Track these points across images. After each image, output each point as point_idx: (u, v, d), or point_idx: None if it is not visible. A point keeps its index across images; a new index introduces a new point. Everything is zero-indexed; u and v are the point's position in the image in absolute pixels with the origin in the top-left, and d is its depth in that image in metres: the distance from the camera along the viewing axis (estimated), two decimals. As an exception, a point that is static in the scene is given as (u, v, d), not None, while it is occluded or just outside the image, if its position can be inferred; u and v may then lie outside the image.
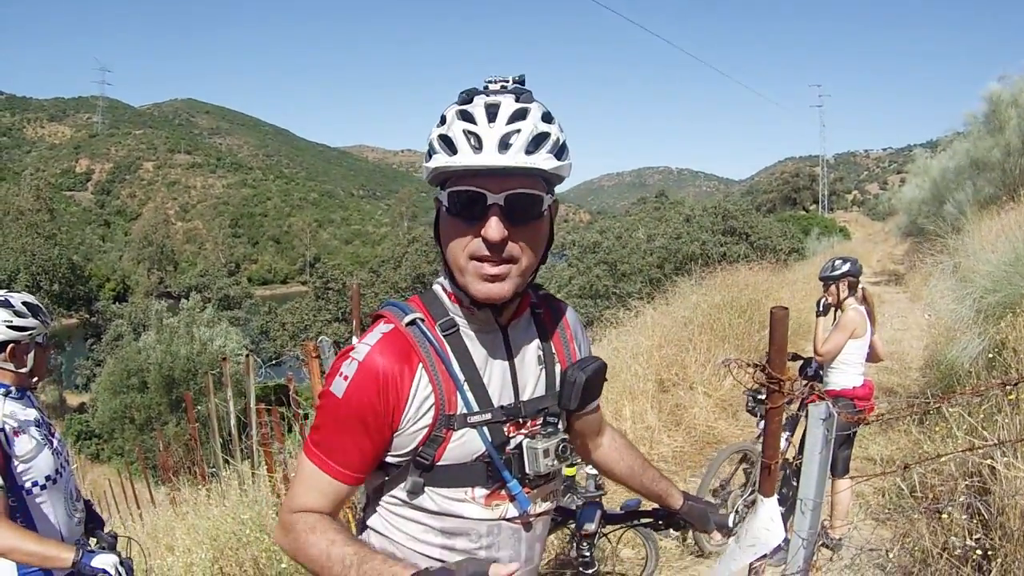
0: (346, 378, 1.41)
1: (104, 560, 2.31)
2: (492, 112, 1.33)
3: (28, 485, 2.42)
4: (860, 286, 5.05)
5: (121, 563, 2.34)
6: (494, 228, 1.32)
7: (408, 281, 31.65)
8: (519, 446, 1.49)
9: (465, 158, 1.31)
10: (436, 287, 1.53)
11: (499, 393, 1.49)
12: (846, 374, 4.91)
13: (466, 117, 1.33)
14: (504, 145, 1.30)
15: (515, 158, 1.30)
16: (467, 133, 1.31)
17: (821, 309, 5.10)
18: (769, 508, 2.31)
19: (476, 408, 1.45)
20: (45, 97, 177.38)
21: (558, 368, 1.58)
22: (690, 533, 2.01)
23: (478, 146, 1.30)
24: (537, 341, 1.58)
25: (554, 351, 1.60)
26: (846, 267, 4.99)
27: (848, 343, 4.89)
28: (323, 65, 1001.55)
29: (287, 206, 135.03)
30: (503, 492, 1.49)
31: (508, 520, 1.52)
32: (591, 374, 1.51)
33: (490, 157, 1.30)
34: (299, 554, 1.43)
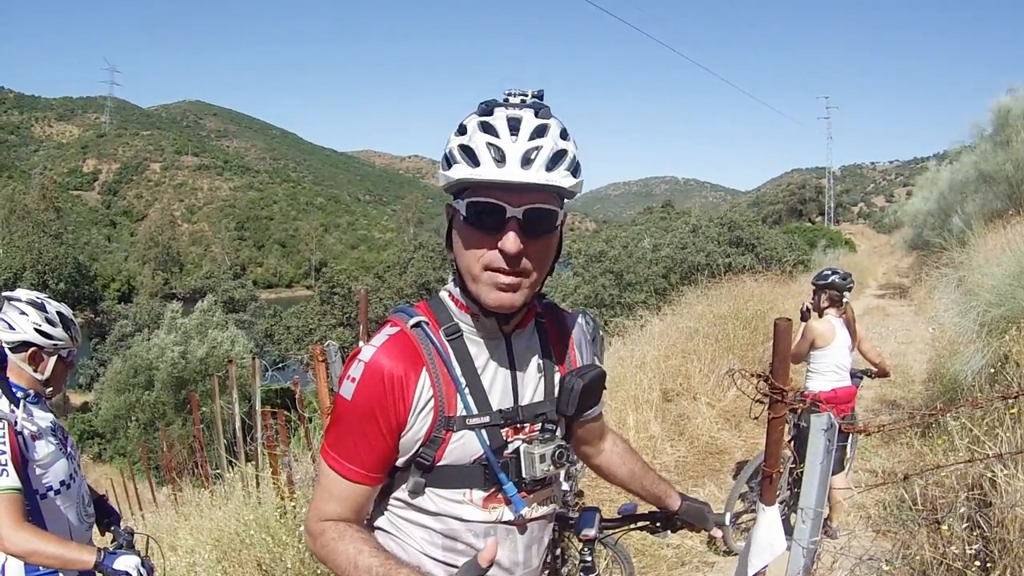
0: (353, 380, 1.45)
1: (126, 562, 2.31)
2: (514, 126, 1.36)
3: (43, 490, 2.41)
4: (845, 300, 5.31)
5: (143, 563, 2.34)
6: (511, 241, 1.35)
7: (413, 287, 31.66)
8: (516, 450, 1.52)
9: (488, 171, 1.34)
10: (442, 294, 1.56)
11: (499, 398, 1.52)
12: (815, 380, 5.26)
13: (488, 129, 1.37)
14: (526, 161, 1.34)
15: (536, 175, 1.34)
16: (490, 146, 1.35)
17: (801, 314, 5.41)
18: (770, 517, 2.34)
19: (475, 411, 1.48)
20: (53, 96, 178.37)
21: (557, 376, 1.60)
22: (720, 533, 2.04)
23: (501, 160, 1.34)
24: (539, 350, 1.61)
25: (554, 360, 1.63)
26: (832, 278, 5.29)
27: (813, 352, 5.24)
28: (331, 69, 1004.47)
29: (293, 210, 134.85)
30: (500, 495, 1.52)
31: (504, 523, 1.54)
32: (588, 381, 1.53)
33: (513, 172, 1.33)
34: (328, 561, 1.47)
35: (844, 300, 5.29)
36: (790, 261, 24.06)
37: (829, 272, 5.37)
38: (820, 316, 5.34)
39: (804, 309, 5.43)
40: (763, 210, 65.85)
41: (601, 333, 4.26)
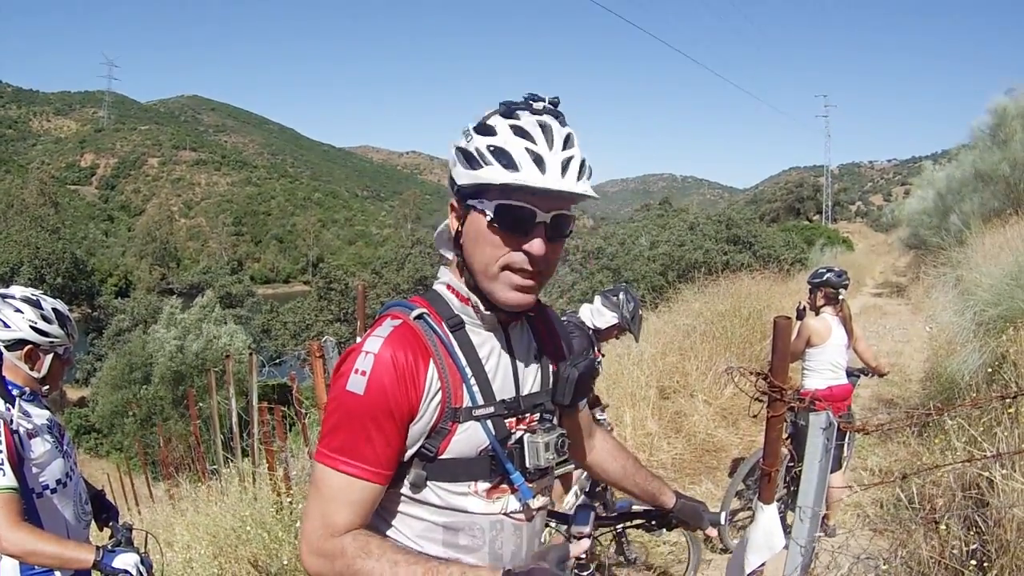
0: (364, 373, 1.40)
1: (125, 560, 2.30)
2: (548, 135, 1.40)
3: (39, 488, 2.39)
4: (841, 298, 5.33)
5: (142, 561, 2.33)
6: (539, 245, 1.41)
7: (410, 283, 31.67)
8: (520, 440, 1.52)
9: (529, 177, 1.37)
10: (439, 287, 1.56)
11: (501, 388, 1.52)
12: (811, 378, 5.28)
13: (522, 134, 1.40)
14: (564, 169, 1.39)
15: (573, 184, 1.40)
16: (528, 151, 1.38)
17: (797, 313, 5.42)
18: (769, 515, 2.34)
19: (480, 401, 1.48)
20: (52, 91, 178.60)
21: (550, 367, 1.63)
22: (716, 532, 2.04)
23: (541, 167, 1.37)
24: (532, 341, 1.63)
25: (545, 351, 1.65)
26: (827, 277, 5.33)
27: (809, 350, 5.26)
28: (329, 64, 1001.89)
29: (291, 205, 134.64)
30: (504, 485, 1.53)
31: (509, 515, 1.54)
32: (583, 370, 1.57)
33: (554, 181, 1.37)
34: None
35: (840, 298, 5.30)
36: (788, 259, 24.03)
37: (825, 270, 5.39)
38: (816, 314, 5.34)
39: (800, 307, 5.44)
40: (761, 208, 65.83)
41: (641, 312, 4.27)
